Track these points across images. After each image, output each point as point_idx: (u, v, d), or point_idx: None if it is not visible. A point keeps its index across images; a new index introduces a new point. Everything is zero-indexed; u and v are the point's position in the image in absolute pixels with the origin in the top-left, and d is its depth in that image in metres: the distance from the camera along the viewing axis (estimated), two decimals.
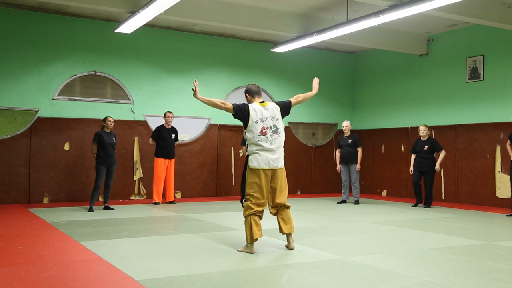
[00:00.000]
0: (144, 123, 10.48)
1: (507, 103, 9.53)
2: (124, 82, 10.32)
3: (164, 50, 10.75)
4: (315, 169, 12.45)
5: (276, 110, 5.35)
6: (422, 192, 9.71)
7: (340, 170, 10.28)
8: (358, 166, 10.00)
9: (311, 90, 6.04)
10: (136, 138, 10.39)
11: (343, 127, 10.23)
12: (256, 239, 5.16)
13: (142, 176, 10.40)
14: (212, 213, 8.29)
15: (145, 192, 10.41)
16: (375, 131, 12.38)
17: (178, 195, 10.72)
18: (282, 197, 5.30)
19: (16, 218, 7.43)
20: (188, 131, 10.91)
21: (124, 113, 10.31)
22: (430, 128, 10.71)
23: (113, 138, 8.72)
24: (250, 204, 5.17)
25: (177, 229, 6.79)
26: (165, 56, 10.75)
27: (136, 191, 10.36)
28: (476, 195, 9.99)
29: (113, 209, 8.66)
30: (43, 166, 9.54)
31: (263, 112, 5.25)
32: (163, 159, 9.57)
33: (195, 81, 5.44)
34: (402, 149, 11.63)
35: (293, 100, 5.59)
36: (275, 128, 5.25)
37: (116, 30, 8.90)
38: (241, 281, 4.05)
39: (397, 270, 4.43)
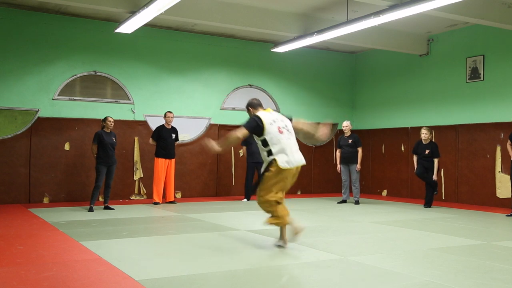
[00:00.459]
0: (144, 123, 10.48)
1: (507, 103, 9.53)
2: (124, 82, 10.32)
3: (164, 50, 10.75)
4: (315, 169, 12.45)
5: (279, 114, 5.52)
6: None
7: (340, 170, 10.28)
8: (358, 166, 10.00)
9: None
10: (136, 138, 10.39)
11: (343, 127, 10.23)
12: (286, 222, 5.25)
13: (142, 176, 10.40)
14: (212, 213, 8.29)
15: (145, 192, 10.41)
16: (375, 131, 12.38)
17: (178, 195, 10.72)
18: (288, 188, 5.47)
19: (16, 218, 7.43)
20: (188, 131, 10.91)
21: (124, 113, 10.31)
22: (430, 128, 10.71)
23: (113, 138, 8.72)
24: (272, 201, 5.23)
25: (177, 229, 6.79)
26: (165, 56, 10.75)
27: (136, 191, 10.36)
28: (476, 195, 9.99)
29: (113, 209, 8.66)
30: (43, 166, 9.54)
31: (271, 115, 5.39)
32: (163, 159, 9.57)
33: (208, 141, 5.47)
34: (402, 149, 11.63)
35: (294, 119, 5.68)
36: (287, 127, 5.39)
37: (116, 30, 8.91)
38: (241, 281, 4.05)
39: (397, 270, 4.43)
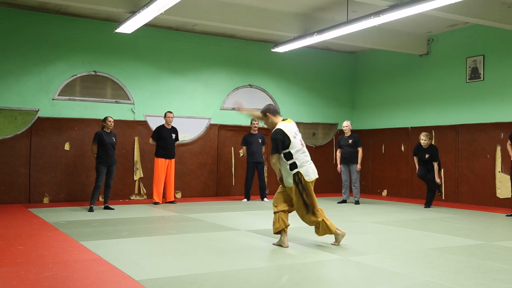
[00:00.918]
0: (144, 123, 10.48)
1: (507, 103, 9.53)
2: (124, 82, 10.32)
3: (164, 50, 10.75)
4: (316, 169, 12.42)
5: (296, 127, 5.60)
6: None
7: (340, 170, 10.28)
8: (358, 166, 10.00)
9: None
10: (136, 138, 10.40)
11: (344, 127, 10.23)
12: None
13: (142, 176, 10.40)
14: (212, 213, 8.29)
15: (145, 192, 10.41)
16: (375, 131, 12.38)
17: (178, 195, 10.72)
18: None
19: (16, 218, 7.43)
20: (188, 131, 10.91)
21: (124, 113, 10.31)
22: (430, 128, 10.72)
23: (113, 138, 8.72)
24: (319, 215, 5.43)
25: (177, 229, 6.79)
26: (165, 56, 10.75)
27: (136, 191, 10.36)
28: (476, 195, 9.99)
29: (113, 209, 8.67)
30: (43, 166, 9.54)
31: (292, 127, 5.45)
32: (163, 159, 9.57)
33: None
34: (402, 149, 11.63)
35: None
36: (303, 141, 5.54)
37: (116, 30, 8.91)
38: (241, 281, 4.05)
39: (397, 270, 4.43)
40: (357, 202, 10.10)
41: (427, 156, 9.30)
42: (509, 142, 8.36)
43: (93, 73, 10.06)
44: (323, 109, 12.55)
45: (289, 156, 5.32)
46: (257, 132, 10.52)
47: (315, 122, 12.48)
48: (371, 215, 8.31)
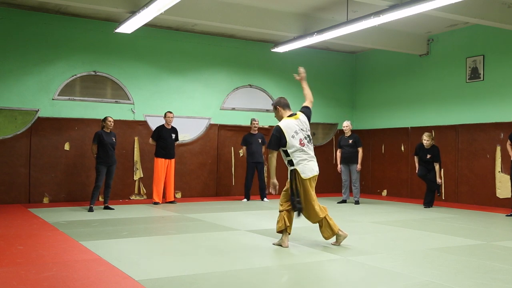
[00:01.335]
0: (144, 123, 10.48)
1: (507, 103, 9.53)
2: (124, 82, 10.32)
3: (164, 50, 10.75)
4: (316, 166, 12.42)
5: (305, 120, 5.56)
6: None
7: (340, 170, 10.28)
8: (358, 166, 10.01)
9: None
10: (136, 138, 10.39)
11: (344, 127, 10.23)
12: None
13: (142, 176, 10.40)
14: (212, 213, 8.29)
15: (145, 192, 10.41)
16: (375, 131, 12.38)
17: (178, 195, 10.72)
18: None
19: (16, 218, 7.43)
20: (188, 131, 10.91)
21: (124, 113, 10.31)
22: (430, 128, 10.71)
23: (113, 138, 8.72)
24: (320, 212, 5.43)
25: (177, 229, 6.79)
26: (165, 56, 10.75)
27: (136, 191, 10.36)
28: (476, 195, 9.99)
29: (113, 209, 8.66)
30: (43, 166, 9.54)
31: (296, 125, 5.43)
32: (163, 159, 9.57)
33: (272, 186, 5.58)
34: (402, 149, 11.63)
35: (309, 104, 5.77)
36: (308, 138, 5.49)
37: (116, 30, 8.91)
38: (241, 281, 4.05)
39: (397, 270, 4.43)
40: (357, 202, 10.10)
41: (428, 156, 9.30)
42: (509, 142, 8.37)
43: (93, 73, 10.06)
44: (323, 109, 12.55)
45: (286, 153, 5.39)
46: (257, 132, 10.52)
47: (315, 122, 12.47)
48: (371, 215, 8.31)
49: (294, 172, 5.34)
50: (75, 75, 9.90)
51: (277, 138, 5.36)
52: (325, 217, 5.45)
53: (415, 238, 6.11)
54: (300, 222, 7.27)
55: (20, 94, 9.43)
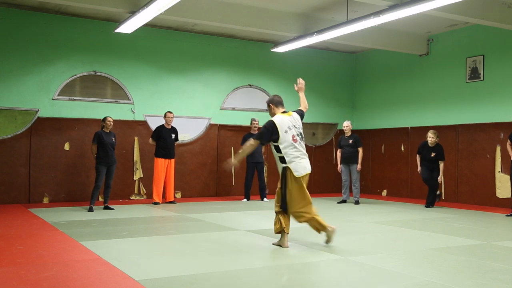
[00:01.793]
0: (144, 123, 10.48)
1: (507, 103, 9.53)
2: (124, 82, 10.32)
3: (164, 50, 10.75)
4: (315, 169, 12.40)
5: (298, 119, 5.56)
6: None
7: (341, 170, 10.28)
8: (359, 166, 10.00)
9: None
10: (136, 138, 10.39)
11: (344, 127, 10.23)
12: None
13: (142, 176, 10.40)
14: (212, 213, 8.29)
15: (145, 192, 10.41)
16: (375, 131, 12.38)
17: (178, 195, 10.72)
18: None
19: (16, 218, 7.43)
20: (188, 131, 10.91)
21: (124, 113, 10.31)
22: (430, 128, 10.70)
23: (113, 138, 8.72)
24: (305, 215, 5.34)
25: (177, 229, 6.79)
26: (165, 56, 10.75)
27: (136, 191, 10.36)
28: (476, 195, 9.99)
29: (113, 209, 8.66)
30: (43, 166, 9.54)
31: (289, 121, 5.41)
32: (163, 159, 9.57)
33: (226, 162, 5.69)
34: (402, 149, 11.63)
35: (304, 109, 5.91)
36: (301, 136, 5.46)
37: (116, 30, 8.91)
38: (241, 281, 4.05)
39: (397, 270, 4.43)
40: (357, 202, 10.10)
41: (433, 154, 9.27)
42: (508, 142, 8.37)
43: (93, 73, 10.05)
44: (323, 109, 12.56)
45: (278, 149, 5.34)
46: (257, 132, 10.52)
47: (315, 122, 12.48)
48: (371, 215, 8.31)
49: (287, 170, 5.29)
50: (75, 75, 9.90)
51: (268, 132, 5.32)
52: (313, 217, 5.36)
53: (415, 238, 6.11)
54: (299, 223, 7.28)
55: (20, 94, 9.42)
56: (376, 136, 12.35)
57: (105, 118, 8.71)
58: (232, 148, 11.36)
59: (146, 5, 7.45)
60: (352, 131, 10.43)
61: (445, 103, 10.69)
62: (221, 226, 6.92)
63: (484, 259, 4.92)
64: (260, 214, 8.25)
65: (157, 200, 9.50)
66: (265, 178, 11.13)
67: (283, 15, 9.52)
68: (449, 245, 5.63)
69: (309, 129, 12.48)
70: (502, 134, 9.53)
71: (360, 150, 10.06)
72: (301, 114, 5.70)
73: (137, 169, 10.37)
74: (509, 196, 9.12)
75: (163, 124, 9.75)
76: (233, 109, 11.45)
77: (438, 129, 10.69)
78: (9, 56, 9.38)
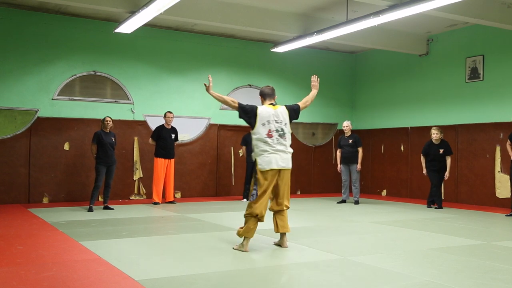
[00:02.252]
0: (144, 123, 10.48)
1: (507, 103, 9.53)
2: (124, 82, 10.32)
3: (164, 50, 10.75)
4: (315, 169, 12.45)
5: (285, 114, 5.41)
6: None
7: (340, 170, 10.28)
8: (358, 166, 10.00)
9: (310, 91, 6.09)
10: (136, 138, 10.39)
11: (344, 127, 10.23)
12: (248, 238, 5.24)
13: (142, 176, 10.40)
14: (212, 213, 8.29)
15: (144, 192, 10.41)
16: (375, 131, 12.38)
17: (178, 195, 10.72)
18: (286, 197, 5.41)
19: (16, 218, 7.43)
20: (188, 131, 10.91)
21: (124, 113, 10.31)
22: (430, 128, 10.69)
23: (113, 138, 8.71)
24: (253, 205, 5.21)
25: (177, 229, 6.79)
26: (165, 56, 10.75)
27: (136, 191, 10.36)
28: (476, 195, 10.00)
29: (112, 209, 8.66)
30: (43, 166, 9.54)
31: (271, 114, 5.31)
32: (163, 159, 9.57)
33: (209, 76, 5.62)
34: (402, 149, 11.63)
35: (301, 104, 5.69)
36: (282, 132, 5.31)
37: (116, 30, 8.90)
38: (241, 281, 4.05)
39: (397, 270, 4.43)
40: (356, 202, 10.10)
41: (441, 151, 9.20)
42: (508, 142, 8.37)
43: (93, 73, 10.05)
44: (323, 109, 12.56)
45: (251, 140, 5.34)
46: None
47: (315, 122, 12.48)
48: (371, 215, 8.31)
49: (255, 162, 5.26)
50: (75, 75, 9.89)
51: (248, 111, 5.25)
52: (248, 214, 5.22)
53: (415, 238, 6.11)
54: (299, 223, 7.28)
55: (20, 94, 9.42)
56: (376, 136, 12.35)
57: (104, 118, 8.72)
58: (232, 148, 11.35)
59: (146, 5, 7.44)
60: (352, 131, 10.42)
61: (445, 103, 10.69)
62: (221, 226, 6.92)
63: (484, 259, 4.92)
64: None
65: (157, 200, 9.50)
66: None
67: (283, 15, 9.52)
68: (449, 245, 5.63)
69: (309, 129, 12.49)
70: (502, 134, 9.53)
71: (360, 150, 10.06)
72: (294, 109, 5.53)
73: (137, 169, 10.37)
74: (509, 196, 9.12)
75: (163, 124, 9.75)
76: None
77: None
78: (9, 56, 9.38)
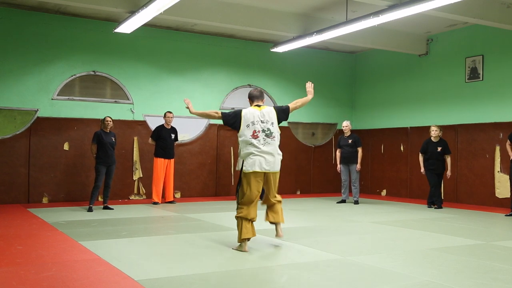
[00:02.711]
0: (143, 123, 10.47)
1: (507, 103, 9.53)
2: (123, 82, 10.32)
3: (164, 50, 10.75)
4: (315, 169, 12.45)
5: (272, 114, 5.35)
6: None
7: (340, 170, 10.28)
8: (358, 166, 10.00)
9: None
10: (135, 138, 10.39)
11: (343, 127, 10.23)
12: (247, 239, 5.23)
13: (141, 176, 10.40)
14: (211, 213, 8.28)
15: (144, 192, 10.40)
16: (375, 131, 12.38)
17: (178, 195, 10.72)
18: (272, 195, 5.43)
19: (16, 218, 7.42)
20: (187, 131, 10.90)
21: (124, 113, 10.31)
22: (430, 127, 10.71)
23: (113, 138, 8.71)
24: (241, 208, 5.25)
25: (177, 229, 6.78)
26: (165, 56, 10.75)
27: (135, 191, 10.36)
28: (475, 195, 10.00)
29: (112, 209, 8.66)
30: (43, 166, 9.53)
31: (256, 115, 5.29)
32: (163, 159, 9.57)
33: (186, 99, 5.64)
34: (402, 149, 11.63)
35: (291, 105, 5.65)
36: (268, 131, 5.26)
37: (116, 30, 8.90)
38: (241, 281, 4.05)
39: (397, 270, 4.43)
40: (356, 202, 10.10)
41: (439, 149, 9.25)
42: (508, 142, 8.37)
43: (92, 73, 10.05)
44: (322, 109, 12.56)
45: (239, 143, 5.34)
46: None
47: (314, 122, 12.48)
48: (370, 215, 8.31)
49: (242, 163, 5.26)
50: (75, 75, 9.89)
51: (232, 116, 5.27)
52: (239, 217, 5.23)
53: (415, 238, 6.11)
54: (299, 223, 7.28)
55: (20, 94, 9.42)
56: (376, 136, 12.35)
57: (104, 118, 8.71)
58: (232, 148, 11.35)
59: (146, 5, 7.44)
60: (352, 131, 10.43)
61: (444, 103, 10.69)
62: (221, 226, 6.92)
63: (484, 259, 4.92)
64: (259, 214, 8.23)
65: (156, 200, 9.49)
66: None
67: (282, 15, 9.52)
68: (449, 245, 5.63)
69: (309, 129, 12.49)
70: (501, 134, 9.53)
71: (360, 150, 10.06)
72: (282, 109, 5.48)
73: (137, 169, 10.37)
74: (509, 196, 9.13)
75: (162, 124, 9.75)
76: (233, 109, 11.43)
77: None
78: (9, 56, 9.37)
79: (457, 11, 7.99)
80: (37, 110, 9.53)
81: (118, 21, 9.47)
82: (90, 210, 8.33)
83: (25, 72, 9.47)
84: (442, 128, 9.59)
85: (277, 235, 5.51)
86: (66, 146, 9.76)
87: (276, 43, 10.42)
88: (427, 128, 10.28)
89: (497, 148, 9.64)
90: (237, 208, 5.31)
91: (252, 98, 5.53)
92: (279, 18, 9.49)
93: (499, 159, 9.61)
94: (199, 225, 7.05)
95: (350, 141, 10.08)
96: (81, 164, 9.85)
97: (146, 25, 9.39)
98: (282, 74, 12.02)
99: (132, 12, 8.05)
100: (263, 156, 5.16)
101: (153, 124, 10.36)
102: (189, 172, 10.90)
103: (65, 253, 5.02)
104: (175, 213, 8.37)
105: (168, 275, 4.16)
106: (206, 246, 5.48)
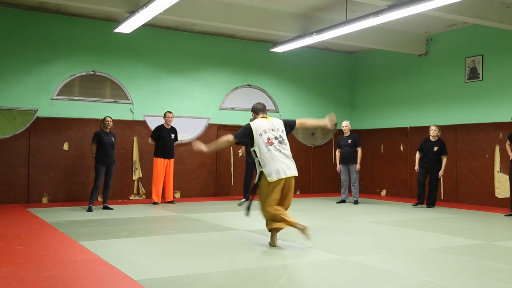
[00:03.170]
0: (143, 123, 10.47)
1: (506, 103, 9.53)
2: (123, 82, 10.31)
3: (163, 50, 10.75)
4: (314, 169, 12.45)
5: (280, 122, 5.55)
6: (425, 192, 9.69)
7: (340, 170, 10.28)
8: (358, 166, 10.00)
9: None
10: (135, 138, 10.38)
11: (343, 127, 10.23)
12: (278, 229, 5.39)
13: (141, 176, 10.39)
14: (211, 213, 8.28)
15: (144, 192, 10.40)
16: (375, 131, 12.38)
17: (178, 195, 10.71)
18: (288, 202, 5.54)
19: (16, 218, 7.42)
20: (187, 131, 10.90)
21: (123, 113, 10.30)
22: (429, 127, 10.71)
23: (113, 138, 8.71)
24: (271, 223, 5.34)
25: (176, 229, 6.78)
26: (164, 56, 10.75)
27: (135, 191, 10.35)
28: (475, 195, 10.00)
29: (112, 209, 8.66)
30: (42, 166, 9.53)
31: (265, 124, 5.42)
32: (162, 159, 9.56)
33: (195, 146, 5.75)
34: (401, 149, 11.63)
35: (298, 121, 5.80)
36: (281, 138, 5.41)
37: (115, 30, 8.90)
38: (241, 281, 4.04)
39: (397, 270, 4.43)
40: (356, 202, 10.10)
41: (435, 148, 9.31)
42: (508, 142, 8.38)
43: (92, 73, 10.04)
44: (322, 109, 12.52)
45: (255, 154, 5.38)
46: None
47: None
48: (370, 215, 8.31)
49: (261, 174, 5.32)
50: (74, 75, 9.89)
51: (244, 133, 5.39)
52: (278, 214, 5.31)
53: (415, 238, 6.11)
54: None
55: (19, 94, 9.41)
56: (375, 136, 12.35)
57: (104, 118, 8.71)
58: (231, 148, 11.35)
59: (146, 5, 7.44)
60: (351, 131, 10.42)
61: (444, 103, 10.69)
62: (221, 226, 6.91)
63: (484, 259, 4.92)
64: (259, 214, 8.23)
65: (156, 200, 9.49)
66: None
67: (282, 15, 9.52)
68: (449, 245, 5.63)
69: (309, 129, 12.47)
70: (501, 134, 9.54)
71: (359, 150, 10.05)
72: (288, 122, 5.66)
73: (136, 169, 10.36)
74: (508, 196, 9.12)
75: (162, 124, 9.74)
76: (232, 109, 11.44)
77: None
78: (9, 56, 9.37)
79: (457, 11, 7.99)
80: (37, 110, 9.53)
81: (118, 21, 9.46)
82: (89, 210, 8.33)
83: (25, 72, 9.47)
84: (441, 128, 9.61)
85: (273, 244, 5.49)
86: (65, 146, 9.75)
87: (276, 43, 10.41)
88: (427, 128, 10.29)
89: (497, 148, 9.64)
90: (266, 224, 5.41)
91: (257, 111, 5.67)
92: (279, 18, 9.49)
93: (498, 159, 9.61)
94: (199, 225, 7.05)
95: (349, 141, 10.08)
96: (81, 164, 9.84)
97: (145, 25, 9.38)
98: (282, 74, 12.02)
99: (132, 12, 8.05)
100: (284, 162, 5.30)
101: (152, 124, 10.35)
102: (188, 172, 10.90)
103: (65, 253, 5.02)
104: (175, 213, 8.36)
105: (168, 275, 4.16)
106: (206, 246, 5.48)
